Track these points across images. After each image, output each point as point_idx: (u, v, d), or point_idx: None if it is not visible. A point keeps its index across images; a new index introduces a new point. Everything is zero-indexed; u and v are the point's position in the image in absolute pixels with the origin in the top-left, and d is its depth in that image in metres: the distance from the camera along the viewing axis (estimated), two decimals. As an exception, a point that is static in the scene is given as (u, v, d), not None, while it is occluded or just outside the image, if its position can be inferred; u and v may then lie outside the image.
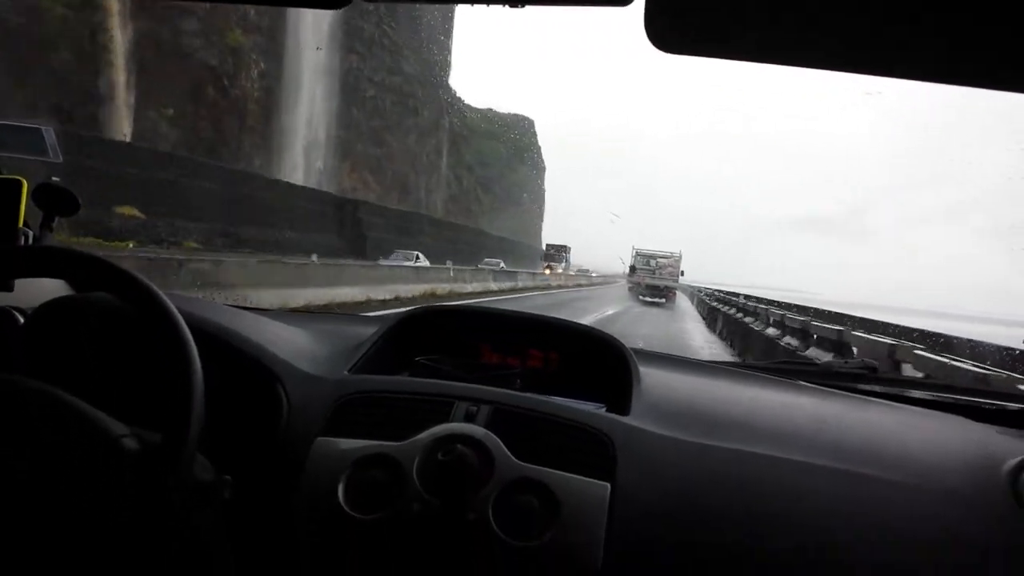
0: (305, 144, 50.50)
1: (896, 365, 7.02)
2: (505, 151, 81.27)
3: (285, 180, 43.16)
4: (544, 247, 69.21)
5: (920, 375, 5.85)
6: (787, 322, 12.31)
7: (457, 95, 69.39)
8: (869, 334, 8.80)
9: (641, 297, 37.01)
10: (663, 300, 36.98)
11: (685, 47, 0.83)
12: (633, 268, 41.44)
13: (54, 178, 1.45)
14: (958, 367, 5.71)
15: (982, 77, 0.76)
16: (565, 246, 62.04)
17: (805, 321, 11.10)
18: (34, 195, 1.41)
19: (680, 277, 42.60)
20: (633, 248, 42.90)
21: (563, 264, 56.41)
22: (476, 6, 0.90)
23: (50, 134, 1.68)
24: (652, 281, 39.48)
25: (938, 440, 1.28)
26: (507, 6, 0.90)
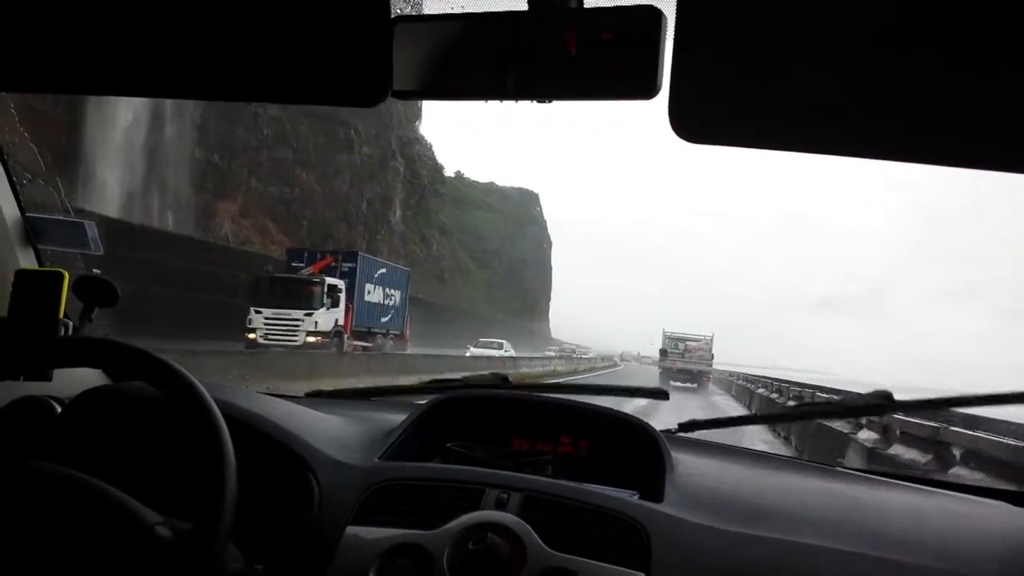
0: (125, 161, 29.72)
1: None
2: (505, 225, 73.30)
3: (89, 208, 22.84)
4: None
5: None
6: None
7: (428, 143, 56.68)
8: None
9: (672, 383, 36.32)
10: (695, 385, 36.18)
11: (709, 137, 0.85)
12: (664, 352, 40.44)
13: (95, 270, 1.50)
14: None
15: (1001, 162, 0.78)
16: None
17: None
18: (74, 287, 1.46)
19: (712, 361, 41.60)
20: (663, 330, 42.26)
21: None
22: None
23: (92, 228, 1.74)
24: (684, 365, 38.31)
25: (982, 527, 1.25)
26: (535, 102, 0.94)
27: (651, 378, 35.59)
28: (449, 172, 66.62)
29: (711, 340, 41.06)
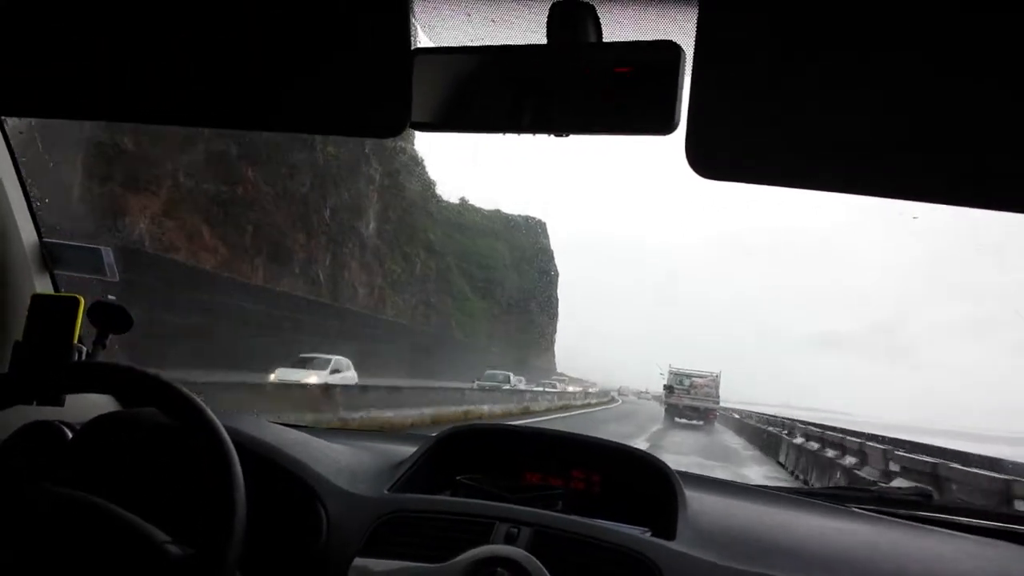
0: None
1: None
2: (510, 253, 67.76)
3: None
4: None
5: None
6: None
7: (419, 157, 48.51)
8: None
9: (677, 419, 35.72)
10: (701, 423, 35.60)
11: (725, 173, 0.85)
12: (670, 388, 39.64)
13: (110, 296, 1.51)
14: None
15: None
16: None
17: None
18: (89, 312, 1.47)
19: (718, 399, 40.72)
20: (669, 366, 41.61)
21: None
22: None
23: (108, 254, 1.75)
24: (690, 402, 37.50)
25: (998, 571, 1.23)
26: (552, 136, 0.94)
27: (649, 417, 34.61)
28: (453, 198, 62.34)
29: (718, 377, 40.39)
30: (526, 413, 24.73)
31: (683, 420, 34.96)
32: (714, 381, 39.98)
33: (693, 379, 39.59)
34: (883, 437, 12.50)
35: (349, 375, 22.02)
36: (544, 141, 0.97)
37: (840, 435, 13.64)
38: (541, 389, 33.97)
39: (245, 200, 30.21)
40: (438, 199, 55.86)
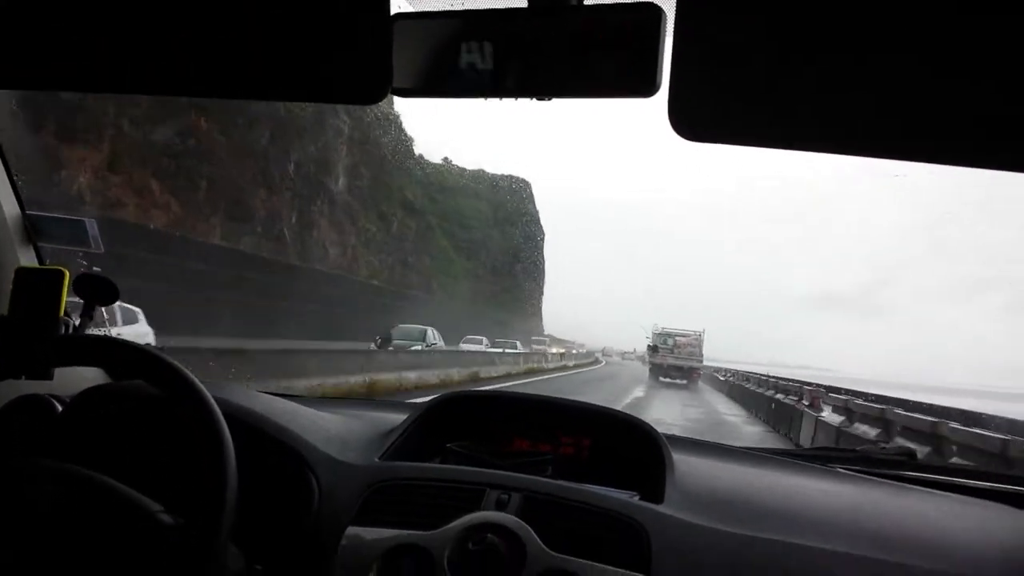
0: None
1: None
2: (493, 213, 63.98)
3: None
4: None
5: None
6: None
7: (395, 112, 42.67)
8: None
9: (661, 378, 35.83)
10: (685, 382, 35.68)
11: (708, 135, 0.85)
12: (655, 348, 39.45)
13: (95, 268, 1.50)
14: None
15: (1010, 162, 0.77)
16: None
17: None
18: (75, 285, 1.46)
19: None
20: (653, 326, 41.30)
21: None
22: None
23: (92, 226, 1.74)
24: (674, 361, 37.63)
25: (982, 529, 1.25)
26: (534, 100, 0.94)
27: (633, 379, 34.43)
28: (435, 158, 58.59)
29: (701, 335, 40.42)
30: (467, 381, 20.28)
31: (667, 379, 35.07)
32: (697, 340, 40.01)
33: (676, 338, 39.54)
34: (851, 391, 12.84)
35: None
36: (527, 105, 0.96)
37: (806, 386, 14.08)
38: (499, 351, 29.86)
39: (198, 152, 27.71)
40: (418, 158, 52.37)
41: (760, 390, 22.08)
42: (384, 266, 42.91)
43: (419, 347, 23.13)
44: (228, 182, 29.16)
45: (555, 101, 0.93)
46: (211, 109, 27.56)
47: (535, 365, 32.30)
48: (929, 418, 8.82)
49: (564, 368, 37.13)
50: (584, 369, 40.51)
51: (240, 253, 27.89)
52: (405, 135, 47.98)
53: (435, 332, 25.63)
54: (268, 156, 32.18)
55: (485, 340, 34.15)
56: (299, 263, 32.23)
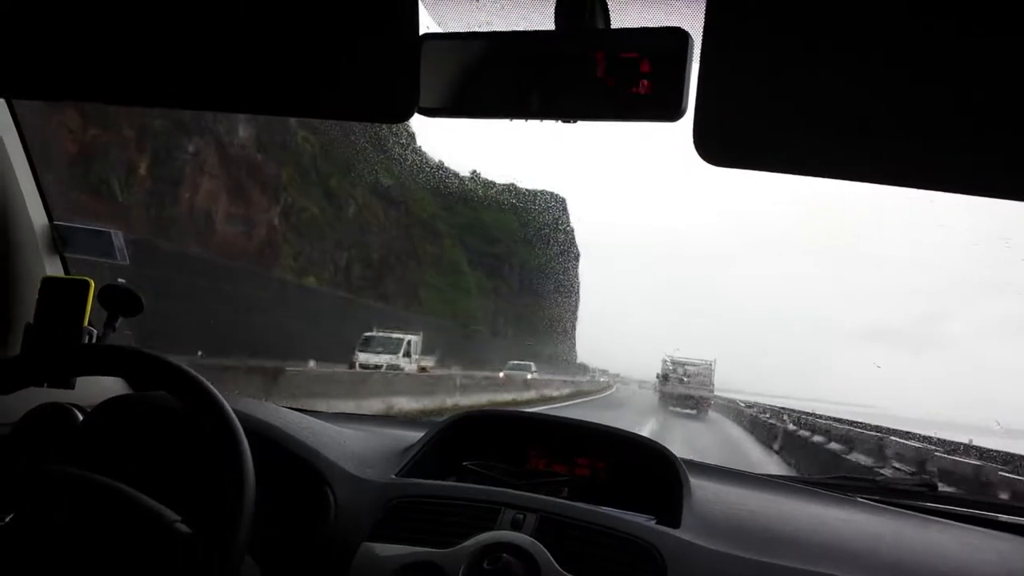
0: None
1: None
2: (522, 229, 57.74)
3: None
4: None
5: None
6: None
7: None
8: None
9: (672, 408, 35.31)
10: (695, 411, 35.28)
11: (734, 160, 0.85)
12: (665, 377, 38.68)
13: (120, 280, 1.52)
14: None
15: None
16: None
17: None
18: (100, 296, 1.48)
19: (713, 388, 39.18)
20: (664, 355, 40.90)
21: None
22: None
23: (118, 237, 1.76)
24: (684, 391, 36.67)
25: (1000, 562, 1.23)
26: (560, 122, 0.94)
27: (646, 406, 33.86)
28: (464, 171, 52.70)
29: (713, 365, 39.59)
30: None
31: (677, 408, 34.61)
32: (708, 369, 39.24)
33: (687, 367, 38.57)
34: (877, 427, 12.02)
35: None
36: (556, 128, 0.96)
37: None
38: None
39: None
40: (439, 164, 42.87)
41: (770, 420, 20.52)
42: (327, 261, 31.23)
43: (386, 361, 19.26)
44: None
45: (586, 124, 0.94)
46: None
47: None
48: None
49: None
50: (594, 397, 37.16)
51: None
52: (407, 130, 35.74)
53: (418, 342, 21.54)
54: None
55: (533, 366, 31.04)
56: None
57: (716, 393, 40.01)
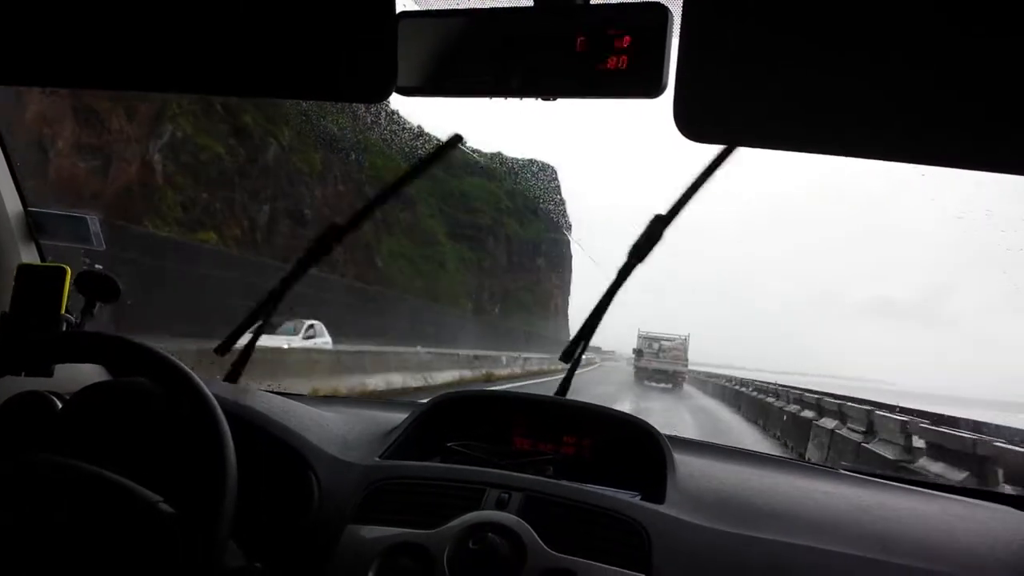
0: None
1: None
2: (507, 198, 52.74)
3: None
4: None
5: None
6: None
7: None
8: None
9: (647, 383, 35.44)
10: (670, 386, 35.21)
11: (715, 136, 0.85)
12: (639, 352, 38.78)
13: (97, 266, 1.50)
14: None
15: None
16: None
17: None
18: (77, 282, 1.46)
19: (687, 363, 39.33)
20: (638, 330, 40.43)
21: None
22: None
23: (95, 222, 1.73)
24: (659, 365, 37.08)
25: (985, 531, 1.24)
26: (539, 99, 0.94)
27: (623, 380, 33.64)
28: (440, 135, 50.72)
29: (687, 340, 39.77)
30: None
31: (652, 383, 34.79)
32: (683, 344, 39.40)
33: (662, 342, 38.88)
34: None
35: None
36: (536, 105, 0.96)
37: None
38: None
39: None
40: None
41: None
42: (237, 215, 24.31)
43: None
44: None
45: (567, 101, 0.93)
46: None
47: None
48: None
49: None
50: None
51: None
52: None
53: (322, 327, 18.41)
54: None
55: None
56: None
57: (691, 367, 40.17)
